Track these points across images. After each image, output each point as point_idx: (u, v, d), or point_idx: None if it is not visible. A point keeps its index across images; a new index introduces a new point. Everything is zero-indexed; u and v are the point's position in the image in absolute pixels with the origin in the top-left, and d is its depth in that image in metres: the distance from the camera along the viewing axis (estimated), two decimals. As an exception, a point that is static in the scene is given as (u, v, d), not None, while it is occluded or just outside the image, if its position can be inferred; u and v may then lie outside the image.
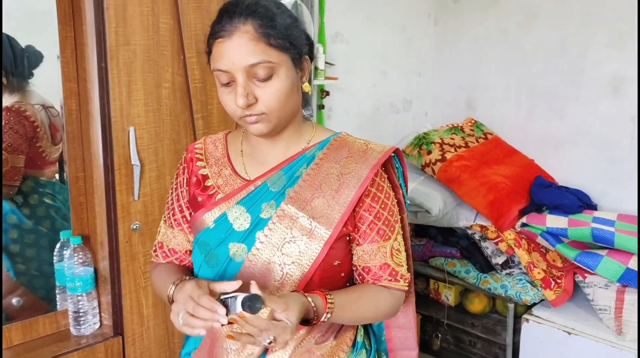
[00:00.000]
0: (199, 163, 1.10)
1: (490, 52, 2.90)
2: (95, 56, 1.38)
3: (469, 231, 2.53)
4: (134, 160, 1.45)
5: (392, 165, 1.09)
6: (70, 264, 1.48)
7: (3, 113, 1.46)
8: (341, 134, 1.11)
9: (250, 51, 0.91)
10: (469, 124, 2.87)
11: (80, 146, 1.50)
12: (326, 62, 2.45)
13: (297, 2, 2.11)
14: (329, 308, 0.94)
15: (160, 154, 1.52)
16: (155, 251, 1.18)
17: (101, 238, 1.51)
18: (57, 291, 1.55)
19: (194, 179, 1.09)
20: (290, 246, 0.99)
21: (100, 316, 1.55)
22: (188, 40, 1.51)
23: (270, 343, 0.86)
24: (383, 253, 1.03)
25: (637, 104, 2.44)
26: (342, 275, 1.05)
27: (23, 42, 1.48)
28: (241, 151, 1.09)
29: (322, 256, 0.99)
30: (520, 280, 2.38)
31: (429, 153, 2.59)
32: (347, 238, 1.04)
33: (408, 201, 1.14)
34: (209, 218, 1.03)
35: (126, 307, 1.51)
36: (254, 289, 0.86)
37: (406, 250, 1.10)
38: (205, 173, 1.08)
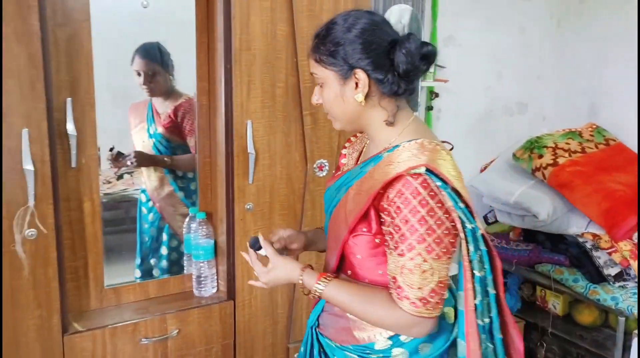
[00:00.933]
0: (346, 144, 1.32)
1: (618, 53, 2.74)
2: (223, 59, 1.63)
3: (580, 239, 2.43)
4: (250, 149, 1.67)
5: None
6: (196, 235, 1.76)
7: (186, 102, 1.82)
8: (411, 142, 1.08)
9: (310, 63, 1.14)
10: (589, 129, 2.75)
11: (208, 135, 1.77)
12: (436, 65, 2.53)
13: (404, 8, 2.21)
14: (317, 286, 1.11)
15: (272, 145, 1.73)
16: None
17: (221, 216, 1.77)
18: (184, 257, 1.84)
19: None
20: (335, 225, 1.16)
21: (218, 282, 1.81)
22: (301, 45, 1.70)
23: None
24: (395, 266, 1.03)
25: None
26: (380, 272, 1.10)
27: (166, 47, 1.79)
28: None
29: (343, 244, 1.12)
30: (635, 293, 2.25)
31: (540, 156, 2.54)
32: (376, 240, 1.08)
33: (469, 226, 1.02)
34: (327, 186, 1.26)
35: (238, 277, 1.75)
36: (260, 238, 1.20)
37: (446, 278, 1.02)
38: (344, 153, 1.30)
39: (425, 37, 2.53)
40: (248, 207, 1.72)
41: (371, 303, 1.07)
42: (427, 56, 1.08)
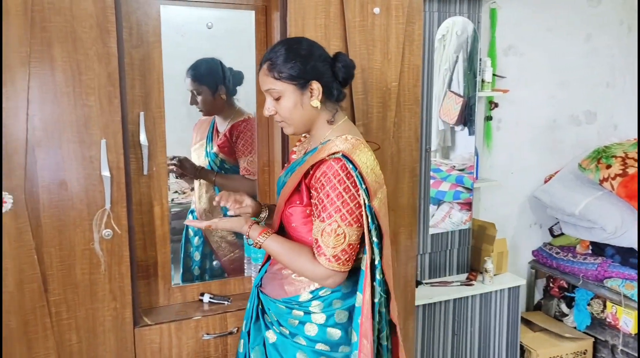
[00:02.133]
0: (297, 143, 1.57)
1: (696, 58, 2.61)
2: (280, 73, 1.74)
3: (653, 253, 2.32)
4: (305, 157, 1.76)
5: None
6: (255, 239, 1.85)
7: (243, 121, 1.89)
8: (339, 137, 1.33)
9: (264, 81, 1.35)
10: (665, 137, 2.62)
11: (266, 145, 1.88)
12: (495, 75, 2.52)
13: (466, 20, 2.23)
14: (259, 238, 1.38)
15: (326, 153, 1.81)
16: None
17: (278, 221, 1.87)
18: (245, 261, 1.96)
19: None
20: (279, 201, 1.41)
21: (275, 284, 1.90)
22: (353, 58, 1.75)
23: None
24: (317, 230, 1.30)
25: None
26: (310, 238, 1.35)
27: (228, 65, 1.86)
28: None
29: (281, 214, 1.40)
30: None
31: (608, 167, 2.45)
32: (307, 211, 1.34)
33: (367, 203, 1.29)
34: (280, 176, 1.51)
35: (294, 280, 1.83)
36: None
37: (356, 241, 1.30)
38: (295, 150, 1.56)
39: (484, 47, 2.53)
40: (303, 213, 1.80)
41: (298, 256, 1.34)
42: (354, 68, 1.38)
